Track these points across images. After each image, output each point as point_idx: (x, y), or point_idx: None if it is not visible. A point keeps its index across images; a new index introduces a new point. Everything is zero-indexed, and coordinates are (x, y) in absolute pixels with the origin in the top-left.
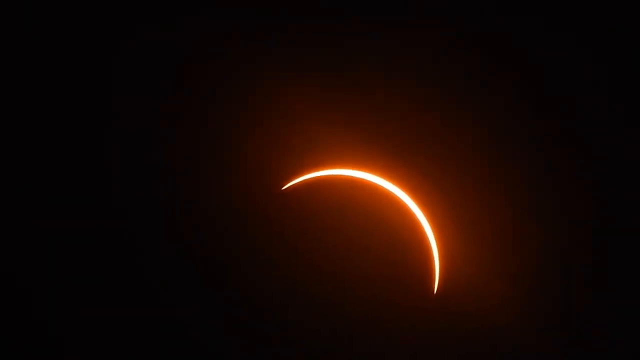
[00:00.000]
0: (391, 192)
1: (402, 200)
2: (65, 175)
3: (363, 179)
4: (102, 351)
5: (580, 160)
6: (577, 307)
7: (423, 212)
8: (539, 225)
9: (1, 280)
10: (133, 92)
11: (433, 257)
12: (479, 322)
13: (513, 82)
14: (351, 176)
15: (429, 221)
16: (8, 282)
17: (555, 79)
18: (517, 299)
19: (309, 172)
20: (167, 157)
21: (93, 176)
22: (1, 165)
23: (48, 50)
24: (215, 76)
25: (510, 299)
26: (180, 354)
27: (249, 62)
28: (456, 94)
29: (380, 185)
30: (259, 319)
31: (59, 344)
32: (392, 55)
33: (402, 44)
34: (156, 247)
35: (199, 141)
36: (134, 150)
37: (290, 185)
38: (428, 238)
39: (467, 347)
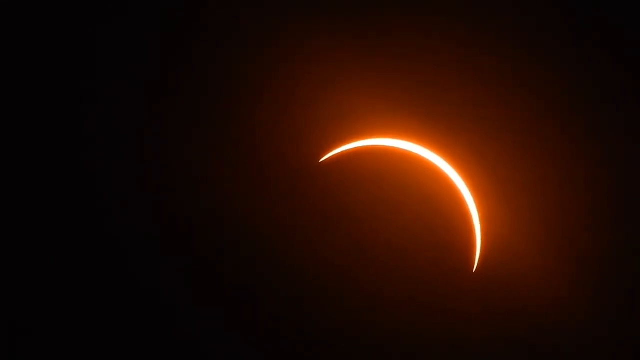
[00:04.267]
0: (433, 163)
1: (443, 172)
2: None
3: (403, 149)
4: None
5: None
6: (630, 286)
7: (465, 183)
8: (589, 199)
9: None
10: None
11: (474, 232)
12: (521, 302)
13: (564, 47)
14: (391, 146)
15: (471, 193)
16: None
17: (611, 52)
18: (564, 278)
19: (347, 143)
20: (203, 130)
21: (108, 154)
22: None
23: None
24: (251, 47)
25: (556, 278)
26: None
27: (286, 33)
28: (501, 61)
29: (421, 156)
30: (297, 290)
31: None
32: (434, 21)
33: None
34: (191, 220)
35: (234, 114)
36: (165, 124)
37: (329, 157)
38: (470, 211)
39: (507, 328)
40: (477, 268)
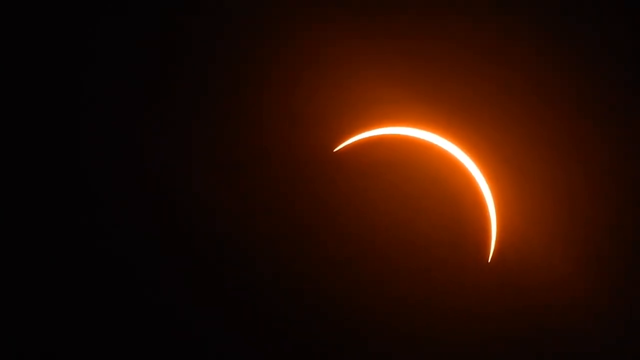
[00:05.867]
0: (448, 152)
1: (459, 161)
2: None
3: (419, 139)
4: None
5: None
6: None
7: (482, 173)
8: (612, 195)
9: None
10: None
11: (490, 222)
12: (537, 295)
13: (589, 38)
14: (406, 135)
15: (488, 183)
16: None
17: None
18: (582, 271)
19: (362, 132)
20: (204, 127)
21: (108, 153)
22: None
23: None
24: (259, 36)
25: (572, 274)
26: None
27: (297, 21)
28: (523, 50)
29: (437, 146)
30: (305, 286)
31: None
32: (453, 5)
33: None
34: (206, 209)
35: (244, 107)
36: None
37: (343, 147)
38: (486, 201)
39: (522, 323)
40: (492, 259)
